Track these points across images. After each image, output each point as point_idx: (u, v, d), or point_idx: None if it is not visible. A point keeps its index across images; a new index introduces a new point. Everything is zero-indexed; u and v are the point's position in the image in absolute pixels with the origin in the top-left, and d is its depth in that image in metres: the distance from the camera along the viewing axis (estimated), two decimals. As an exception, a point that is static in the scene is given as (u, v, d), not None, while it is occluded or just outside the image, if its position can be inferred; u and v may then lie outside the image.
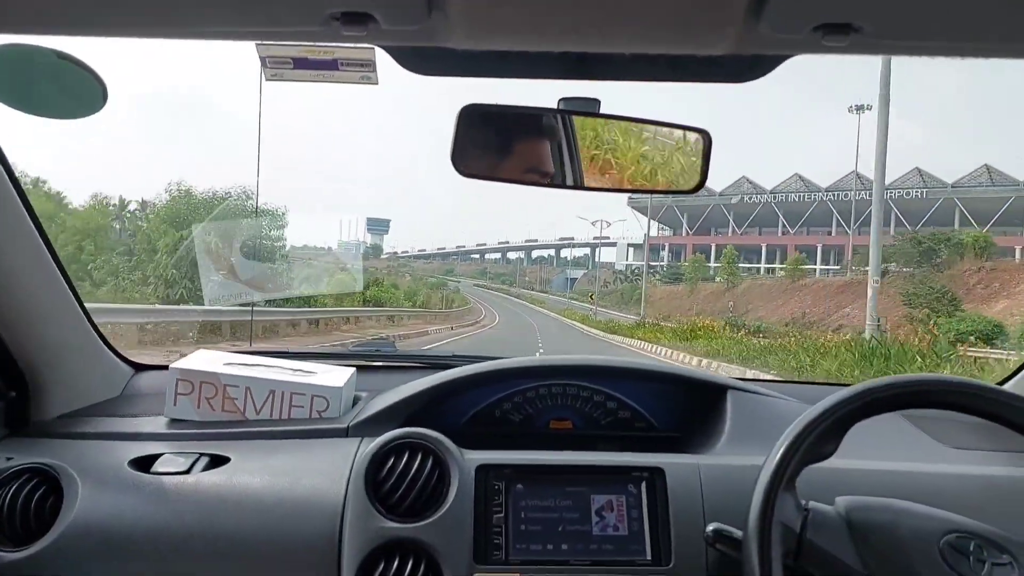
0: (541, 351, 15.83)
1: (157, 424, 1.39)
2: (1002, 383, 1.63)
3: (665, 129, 1.04)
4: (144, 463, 1.26)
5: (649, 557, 1.18)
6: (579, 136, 1.00)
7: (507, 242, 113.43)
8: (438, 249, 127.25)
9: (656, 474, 1.24)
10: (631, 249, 72.75)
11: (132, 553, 1.16)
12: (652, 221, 65.99)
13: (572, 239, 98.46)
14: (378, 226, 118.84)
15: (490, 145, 1.02)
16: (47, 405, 1.40)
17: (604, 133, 1.01)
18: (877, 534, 1.01)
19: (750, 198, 58.15)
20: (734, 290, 46.22)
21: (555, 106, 1.02)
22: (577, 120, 1.00)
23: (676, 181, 1.04)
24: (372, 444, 1.23)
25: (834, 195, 53.87)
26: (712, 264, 54.78)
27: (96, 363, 1.55)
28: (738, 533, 1.01)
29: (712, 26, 0.71)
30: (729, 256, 49.30)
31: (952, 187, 47.98)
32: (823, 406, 1.00)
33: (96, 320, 1.51)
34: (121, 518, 1.18)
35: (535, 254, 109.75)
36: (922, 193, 49.97)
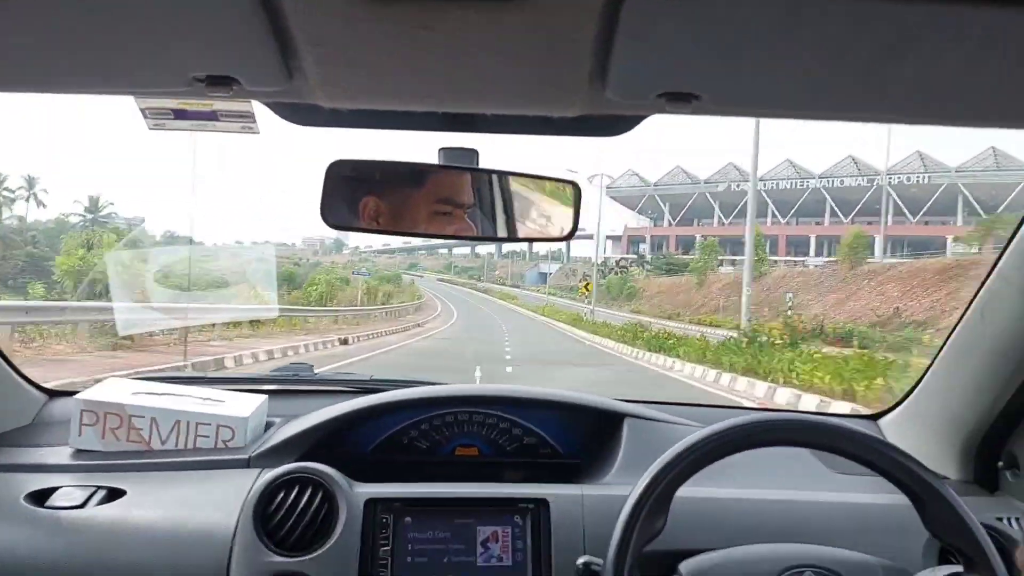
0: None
1: (60, 455, 1.53)
2: (884, 413, 1.84)
3: (538, 181, 1.22)
4: (41, 496, 1.39)
5: None
6: (453, 188, 1.17)
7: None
8: (404, 243, 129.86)
9: (541, 505, 1.41)
10: (609, 241, 73.14)
11: None
12: (630, 212, 66.44)
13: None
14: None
15: (359, 199, 1.16)
16: None
17: (479, 185, 1.17)
18: None
19: (737, 186, 58.60)
20: (762, 280, 39.39)
21: (435, 154, 1.17)
22: (453, 172, 1.17)
23: (549, 230, 1.21)
24: (262, 479, 1.38)
25: (828, 182, 54.53)
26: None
27: (5, 392, 1.69)
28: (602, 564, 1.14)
29: (561, 91, 0.85)
30: (756, 239, 42.68)
31: (956, 172, 48.41)
32: (664, 460, 1.12)
33: None
34: (13, 552, 1.30)
35: (506, 248, 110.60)
36: (925, 179, 50.35)
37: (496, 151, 1.36)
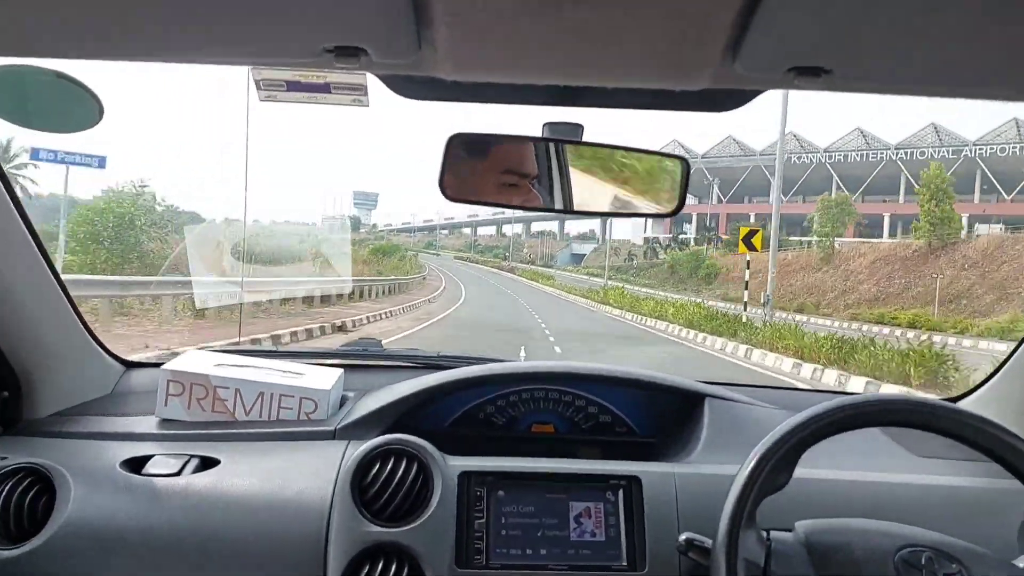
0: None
1: (148, 424, 1.73)
2: (963, 396, 2.01)
3: (646, 156, 1.39)
4: (135, 464, 1.58)
5: (625, 563, 1.50)
6: (563, 162, 1.33)
7: (502, 213, 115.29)
8: (425, 222, 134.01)
9: (633, 482, 1.57)
10: (650, 220, 72.57)
11: (123, 552, 1.46)
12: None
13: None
14: (366, 200, 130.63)
15: (476, 171, 1.33)
16: (40, 404, 1.73)
17: (587, 159, 1.34)
18: (835, 557, 1.29)
19: (799, 158, 57.78)
20: (954, 252, 29.15)
21: (540, 128, 1.33)
22: (561, 146, 1.33)
23: (656, 206, 1.38)
24: (359, 449, 1.55)
25: (905, 153, 53.60)
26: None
27: (88, 361, 1.89)
28: (708, 542, 1.30)
29: (690, 65, 0.96)
30: (936, 182, 30.28)
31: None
32: (772, 439, 1.28)
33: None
34: (113, 518, 1.49)
35: (535, 227, 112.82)
36: (1019, 150, 49.00)
37: (594, 120, 1.52)
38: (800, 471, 1.30)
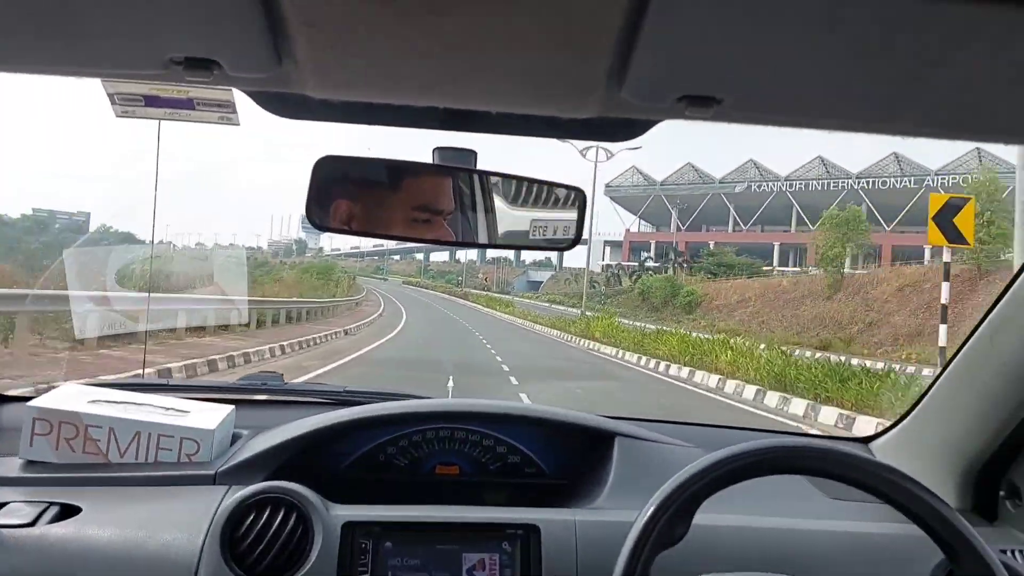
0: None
1: (9, 467, 1.63)
2: (880, 435, 2.01)
3: (541, 185, 1.35)
4: None
5: None
6: (451, 190, 1.29)
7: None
8: (375, 246, 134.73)
9: (531, 531, 1.53)
10: (608, 248, 73.26)
11: None
12: (633, 216, 66.47)
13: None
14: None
15: (348, 199, 1.26)
16: None
17: (478, 188, 1.30)
18: None
19: (759, 186, 58.68)
20: (991, 279, 24.98)
21: (429, 155, 1.28)
22: (450, 173, 1.28)
23: (552, 238, 1.34)
24: (232, 498, 1.48)
25: (867, 183, 54.69)
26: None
27: None
28: None
29: (574, 91, 0.92)
30: (989, 190, 26.47)
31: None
32: (667, 489, 1.24)
33: None
34: None
35: (490, 253, 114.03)
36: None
37: (491, 149, 1.48)
38: (702, 517, 1.27)
